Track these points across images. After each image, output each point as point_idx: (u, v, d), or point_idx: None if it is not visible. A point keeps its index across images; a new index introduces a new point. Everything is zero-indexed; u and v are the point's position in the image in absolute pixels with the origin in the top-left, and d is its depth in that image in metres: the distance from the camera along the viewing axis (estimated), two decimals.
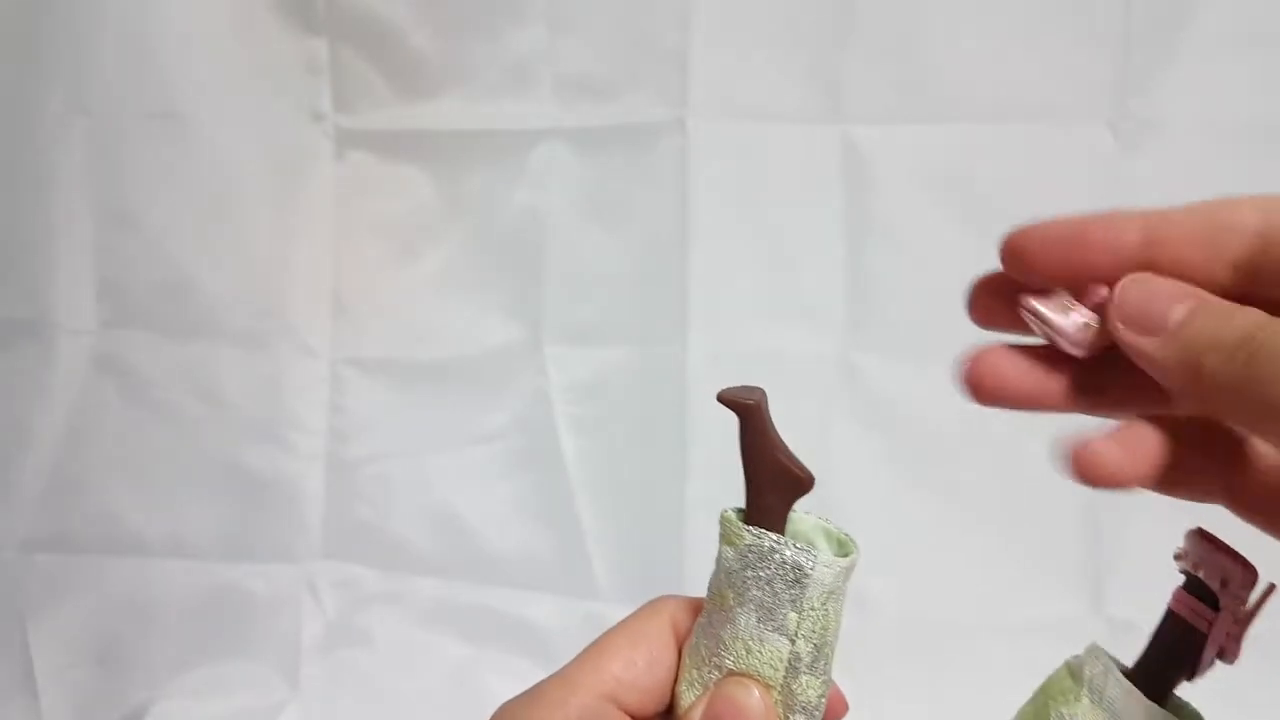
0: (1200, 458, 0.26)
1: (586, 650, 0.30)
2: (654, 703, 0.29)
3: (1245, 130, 0.78)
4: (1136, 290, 0.25)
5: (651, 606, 0.31)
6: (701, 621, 0.29)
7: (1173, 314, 0.24)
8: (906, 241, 0.83)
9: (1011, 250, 0.27)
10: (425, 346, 0.90)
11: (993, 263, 0.28)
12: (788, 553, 0.27)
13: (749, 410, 0.28)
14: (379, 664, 0.90)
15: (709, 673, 0.28)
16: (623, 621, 0.30)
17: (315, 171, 0.89)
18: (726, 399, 0.28)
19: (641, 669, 0.29)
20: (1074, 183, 0.80)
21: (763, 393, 0.28)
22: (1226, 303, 0.24)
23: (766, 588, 0.27)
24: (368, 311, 0.90)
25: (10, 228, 0.88)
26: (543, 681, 0.29)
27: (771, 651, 0.27)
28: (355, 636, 0.91)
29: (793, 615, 0.27)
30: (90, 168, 0.87)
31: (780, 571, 0.27)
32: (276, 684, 0.90)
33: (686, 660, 0.29)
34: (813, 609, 0.27)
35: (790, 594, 0.27)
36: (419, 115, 0.87)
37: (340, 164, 0.89)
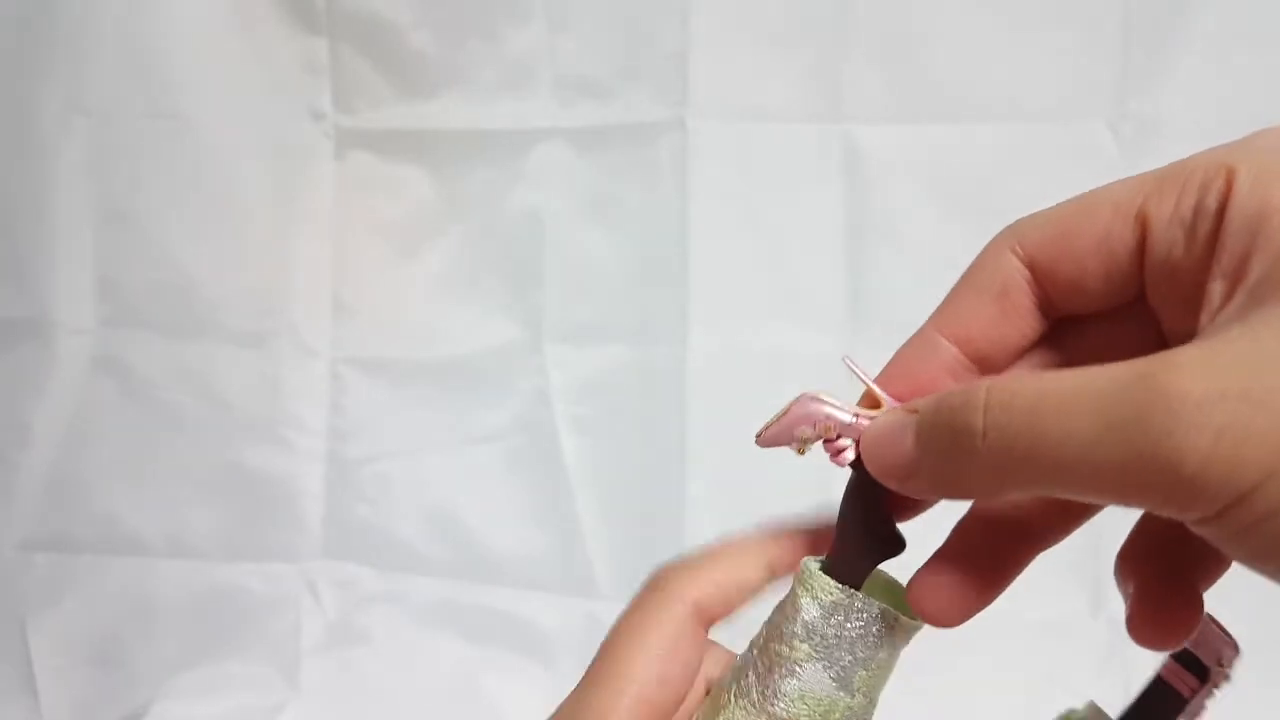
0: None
1: (607, 666, 0.28)
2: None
3: (1245, 130, 0.78)
4: (870, 447, 0.26)
5: (662, 595, 0.29)
6: (751, 657, 0.28)
7: (907, 449, 0.24)
8: (906, 241, 0.83)
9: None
10: (425, 346, 0.90)
11: None
12: (878, 615, 0.27)
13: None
14: (379, 664, 0.90)
15: (757, 717, 0.28)
16: (635, 623, 0.29)
17: (315, 171, 0.89)
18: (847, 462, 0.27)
19: (675, 686, 0.28)
20: (1074, 183, 0.80)
21: None
22: (932, 400, 0.24)
23: (849, 646, 0.27)
24: (368, 311, 0.90)
25: (10, 228, 0.88)
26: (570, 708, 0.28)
27: (830, 704, 0.27)
28: (355, 636, 0.91)
29: (863, 673, 0.27)
30: (90, 168, 0.87)
31: (866, 632, 0.27)
32: (276, 684, 0.90)
33: (730, 698, 0.28)
34: (880, 667, 0.27)
35: (868, 654, 0.27)
36: (419, 115, 0.87)
37: (340, 164, 0.89)
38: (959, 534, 0.27)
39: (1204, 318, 0.21)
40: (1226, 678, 0.27)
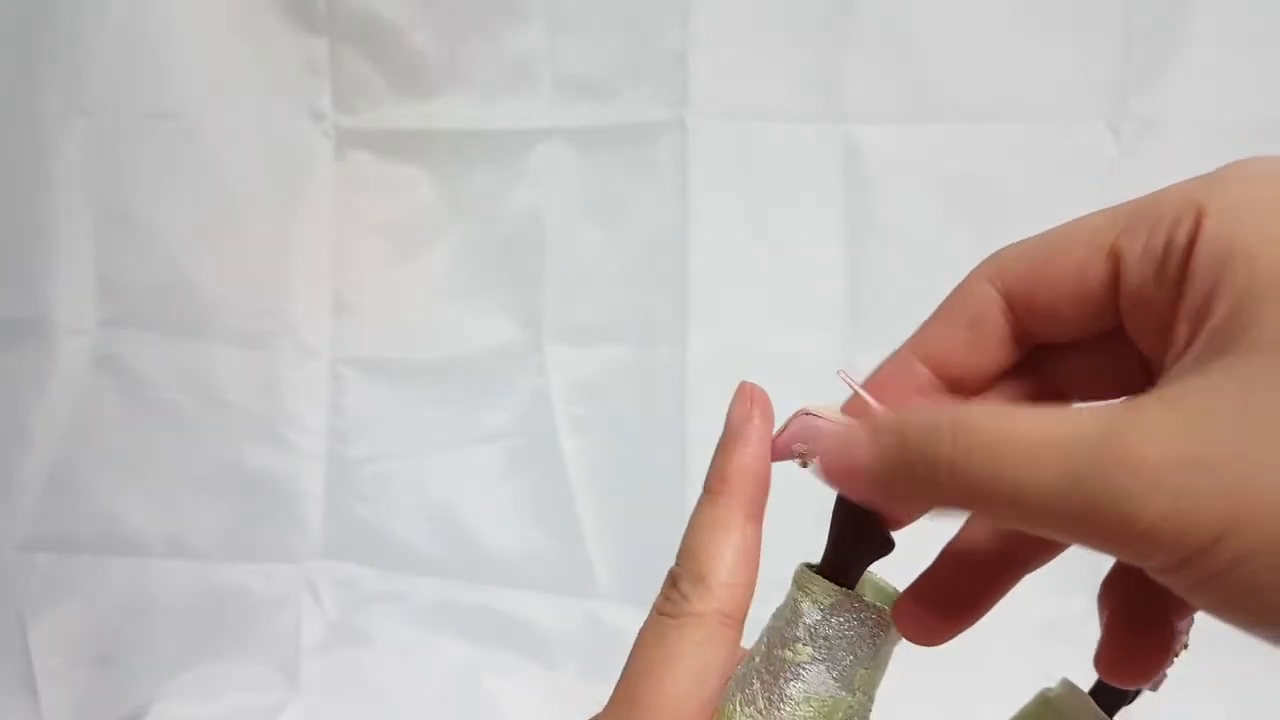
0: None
1: (640, 691, 0.27)
2: None
3: (1245, 130, 0.78)
4: (824, 449, 0.25)
5: (682, 611, 0.27)
6: (754, 665, 0.29)
7: (862, 460, 0.24)
8: (906, 241, 0.83)
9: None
10: (425, 346, 0.90)
11: None
12: (875, 614, 0.28)
13: None
14: (379, 664, 0.90)
15: None
16: (660, 644, 0.27)
17: (315, 171, 0.89)
18: None
19: (711, 699, 0.27)
20: (1074, 183, 0.80)
21: None
22: (894, 419, 0.24)
23: (849, 646, 0.28)
24: (368, 311, 0.90)
25: (10, 228, 0.88)
26: None
27: (833, 705, 0.28)
28: (355, 636, 0.91)
29: (863, 671, 0.28)
30: (90, 168, 0.87)
31: (864, 631, 0.28)
32: (276, 684, 0.90)
33: (735, 708, 0.28)
34: (878, 665, 0.28)
35: (867, 652, 0.28)
36: (419, 115, 0.87)
37: (340, 164, 0.89)
38: (944, 558, 0.28)
39: (1169, 358, 0.22)
40: (1184, 645, 0.28)
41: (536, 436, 0.88)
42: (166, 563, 0.90)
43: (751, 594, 0.28)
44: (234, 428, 0.89)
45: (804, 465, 0.27)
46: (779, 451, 0.28)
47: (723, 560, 0.28)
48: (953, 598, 0.27)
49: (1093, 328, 0.25)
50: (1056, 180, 0.80)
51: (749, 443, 0.28)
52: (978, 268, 0.26)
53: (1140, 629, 0.26)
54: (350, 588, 0.91)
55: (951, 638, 0.27)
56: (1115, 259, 0.24)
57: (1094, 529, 0.20)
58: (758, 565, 0.28)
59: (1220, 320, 0.20)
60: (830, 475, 0.25)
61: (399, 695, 0.89)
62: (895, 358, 0.27)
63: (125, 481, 0.90)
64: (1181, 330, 0.22)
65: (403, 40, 0.85)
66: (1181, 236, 0.22)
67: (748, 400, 0.28)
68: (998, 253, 0.26)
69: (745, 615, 0.28)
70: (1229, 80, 0.79)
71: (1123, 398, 0.22)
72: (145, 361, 0.89)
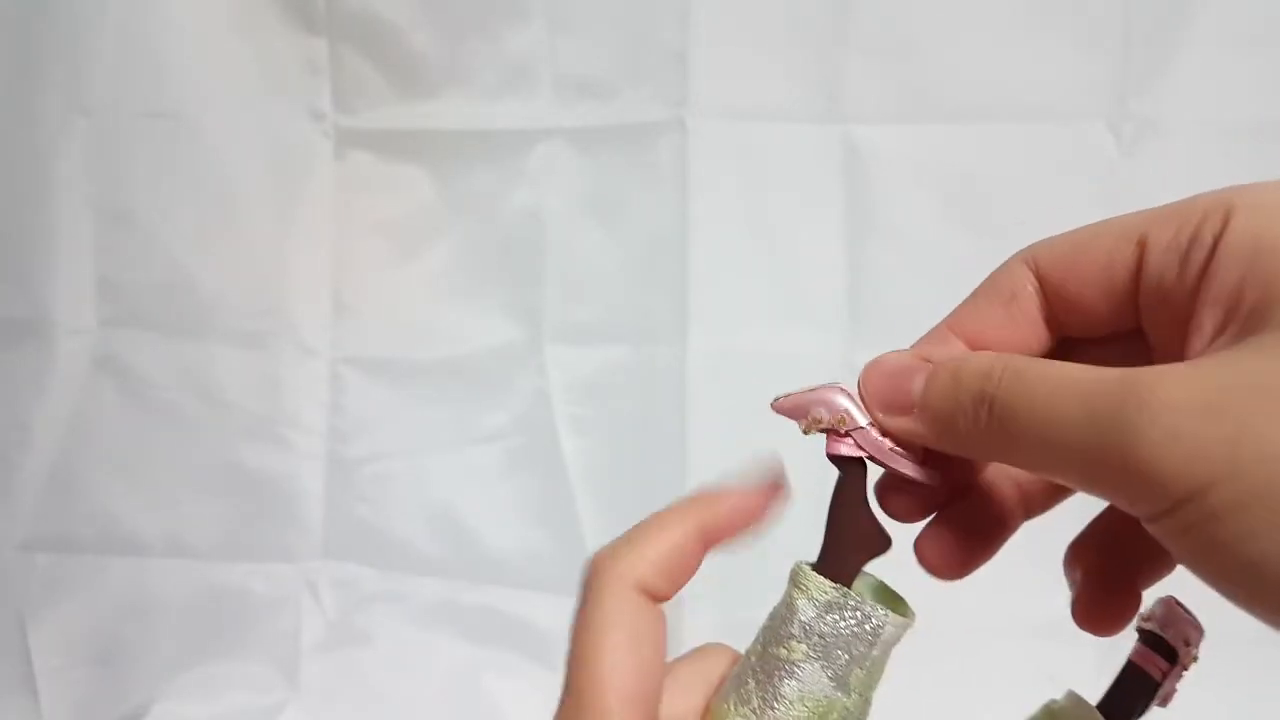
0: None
1: (582, 674, 0.28)
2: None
3: (1245, 130, 0.78)
4: (875, 374, 0.27)
5: (603, 584, 0.28)
6: (749, 664, 0.29)
7: (914, 389, 0.26)
8: (906, 241, 0.83)
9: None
10: (425, 346, 0.90)
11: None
12: (870, 612, 0.28)
13: (858, 466, 0.28)
14: (379, 664, 0.90)
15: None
16: (591, 622, 0.28)
17: (315, 171, 0.89)
18: (838, 456, 0.28)
19: (651, 669, 0.28)
20: (1074, 183, 0.80)
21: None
22: (956, 358, 0.26)
23: (845, 645, 0.28)
24: (368, 311, 0.90)
25: (10, 228, 0.88)
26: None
27: (828, 705, 0.28)
28: (355, 636, 0.91)
29: (858, 671, 0.28)
30: (90, 168, 0.87)
31: (860, 630, 0.28)
32: (276, 684, 0.90)
33: (730, 707, 0.28)
34: (874, 666, 0.28)
35: (863, 652, 0.28)
36: (419, 115, 0.87)
37: (340, 164, 0.89)
38: (967, 495, 0.29)
39: (1196, 342, 0.23)
40: (1194, 659, 0.29)
41: (536, 436, 0.88)
42: (166, 563, 0.90)
43: (673, 567, 0.28)
44: (234, 428, 0.89)
45: (806, 432, 0.28)
46: (795, 411, 0.28)
47: (645, 535, 0.29)
48: (969, 533, 0.28)
49: (1115, 322, 0.26)
50: (1056, 180, 0.80)
51: (736, 495, 0.29)
52: (1017, 253, 0.28)
53: (1107, 592, 0.28)
54: (350, 588, 0.91)
55: (966, 572, 0.28)
56: (1141, 248, 0.25)
57: (1100, 466, 0.21)
58: (686, 572, 0.29)
59: (1249, 309, 0.21)
60: (877, 395, 0.27)
61: (399, 695, 0.89)
62: (935, 333, 0.28)
63: (125, 481, 0.90)
64: (1207, 317, 0.22)
65: (403, 40, 0.85)
66: (1208, 231, 0.23)
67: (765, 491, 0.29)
68: (1033, 244, 0.27)
69: (665, 586, 0.28)
70: (1229, 80, 0.79)
71: None
72: (145, 361, 0.89)
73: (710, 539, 0.29)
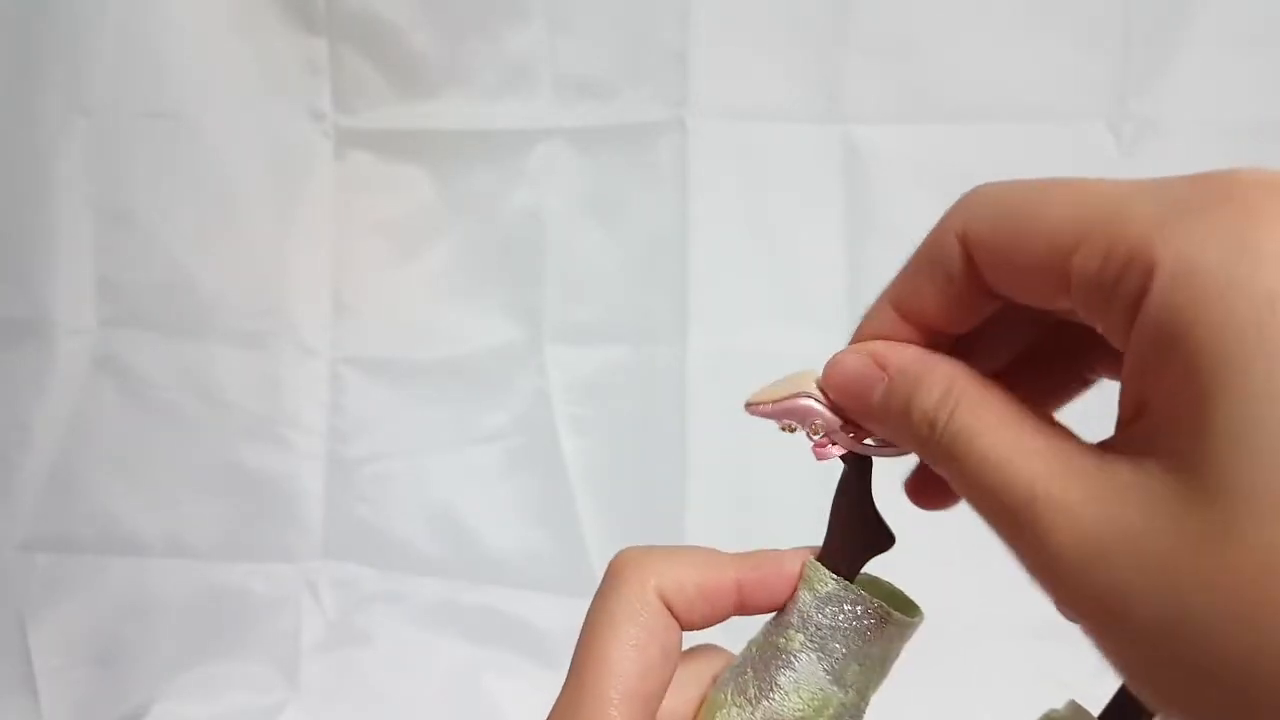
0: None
1: (588, 666, 0.28)
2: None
3: (1245, 130, 0.78)
4: (837, 380, 0.27)
5: (625, 582, 0.29)
6: (749, 654, 0.29)
7: (874, 400, 0.26)
8: (906, 241, 0.82)
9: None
10: (425, 346, 0.90)
11: None
12: (870, 607, 0.28)
13: (865, 462, 0.28)
14: (379, 664, 0.90)
15: (753, 713, 0.28)
16: (606, 616, 0.28)
17: (315, 171, 0.89)
18: (849, 452, 0.28)
19: (658, 673, 0.28)
20: None
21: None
22: (909, 374, 0.25)
23: (842, 638, 0.28)
24: (368, 311, 0.90)
25: (10, 228, 0.88)
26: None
27: (824, 698, 0.27)
28: (355, 636, 0.91)
29: (855, 667, 0.28)
30: (90, 168, 0.87)
31: (858, 624, 0.28)
32: (276, 684, 0.90)
33: (727, 697, 0.28)
34: (872, 664, 0.28)
35: (861, 647, 0.28)
36: (419, 115, 0.87)
37: (340, 164, 0.89)
38: None
39: (1124, 399, 0.22)
40: None
41: (536, 436, 0.88)
42: (166, 563, 0.90)
43: (694, 596, 0.28)
44: (234, 428, 0.89)
45: (787, 431, 0.28)
46: (769, 417, 0.29)
47: (681, 554, 0.29)
48: None
49: (1058, 302, 0.24)
50: None
51: (776, 572, 0.29)
52: (950, 218, 0.27)
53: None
54: (350, 588, 0.91)
55: (950, 504, 0.28)
56: (1070, 275, 0.22)
57: (1019, 556, 0.23)
58: (711, 606, 0.28)
59: (1155, 414, 0.20)
60: (840, 393, 0.27)
61: (399, 695, 0.89)
62: (874, 313, 0.28)
63: (125, 481, 0.90)
64: (1126, 394, 0.21)
65: (403, 40, 0.85)
66: (1131, 285, 0.20)
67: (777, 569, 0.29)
68: (968, 204, 0.26)
69: (680, 606, 0.28)
70: (1229, 80, 0.79)
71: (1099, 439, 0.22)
72: (145, 361, 0.89)
73: (745, 599, 0.29)
